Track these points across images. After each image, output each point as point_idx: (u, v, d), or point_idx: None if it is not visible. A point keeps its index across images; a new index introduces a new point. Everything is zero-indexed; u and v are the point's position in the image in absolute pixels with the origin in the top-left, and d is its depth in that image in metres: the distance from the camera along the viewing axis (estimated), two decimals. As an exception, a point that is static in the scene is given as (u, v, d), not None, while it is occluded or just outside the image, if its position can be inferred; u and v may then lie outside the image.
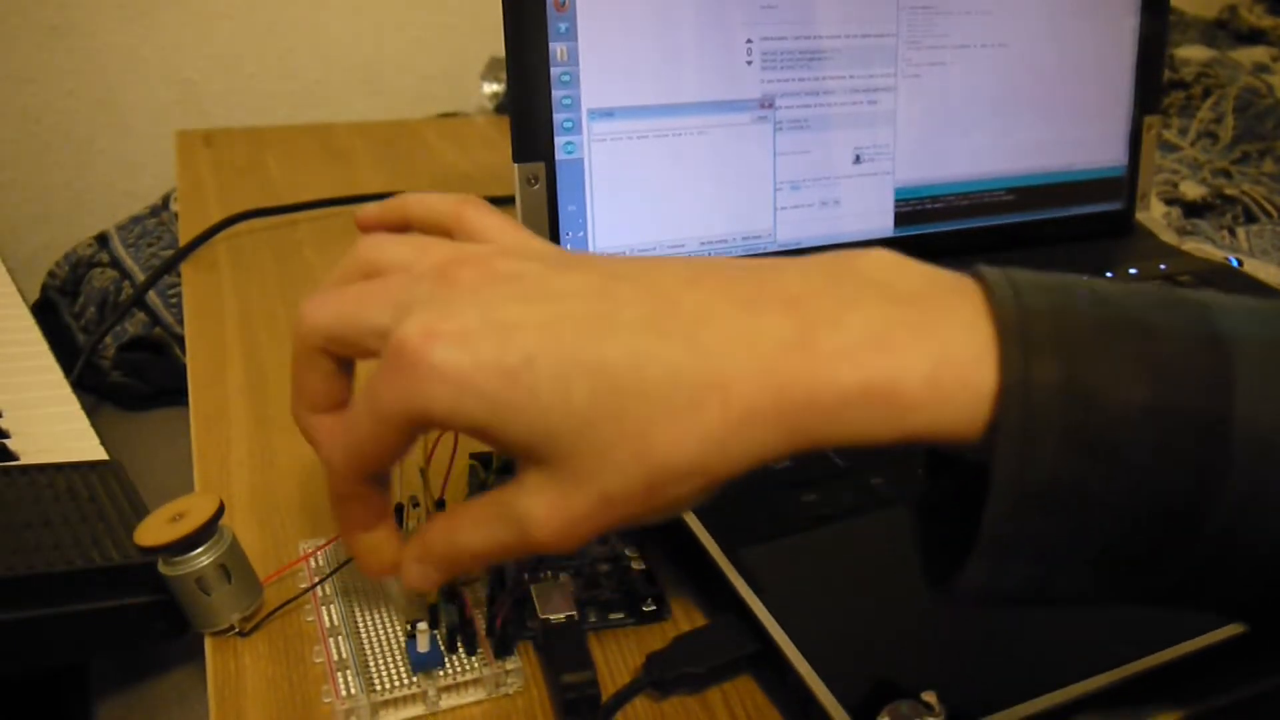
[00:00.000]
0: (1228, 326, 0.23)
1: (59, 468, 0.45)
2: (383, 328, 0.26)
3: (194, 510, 0.33)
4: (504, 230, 0.31)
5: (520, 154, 0.47)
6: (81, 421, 0.53)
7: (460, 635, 0.33)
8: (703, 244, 0.51)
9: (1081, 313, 0.23)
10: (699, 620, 0.35)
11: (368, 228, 0.33)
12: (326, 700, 0.31)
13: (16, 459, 0.47)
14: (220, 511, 0.33)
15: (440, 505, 0.35)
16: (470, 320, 0.25)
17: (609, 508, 0.25)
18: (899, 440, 0.24)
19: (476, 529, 0.27)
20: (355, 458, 0.27)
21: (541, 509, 0.25)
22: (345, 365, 0.30)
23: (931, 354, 0.23)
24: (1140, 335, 0.23)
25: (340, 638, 0.33)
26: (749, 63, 0.50)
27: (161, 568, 0.33)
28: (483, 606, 0.35)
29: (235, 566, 0.33)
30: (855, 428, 0.24)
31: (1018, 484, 0.22)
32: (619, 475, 0.24)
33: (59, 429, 0.52)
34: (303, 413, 0.31)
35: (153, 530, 0.32)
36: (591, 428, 0.24)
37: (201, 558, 0.33)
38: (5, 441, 0.48)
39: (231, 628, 0.34)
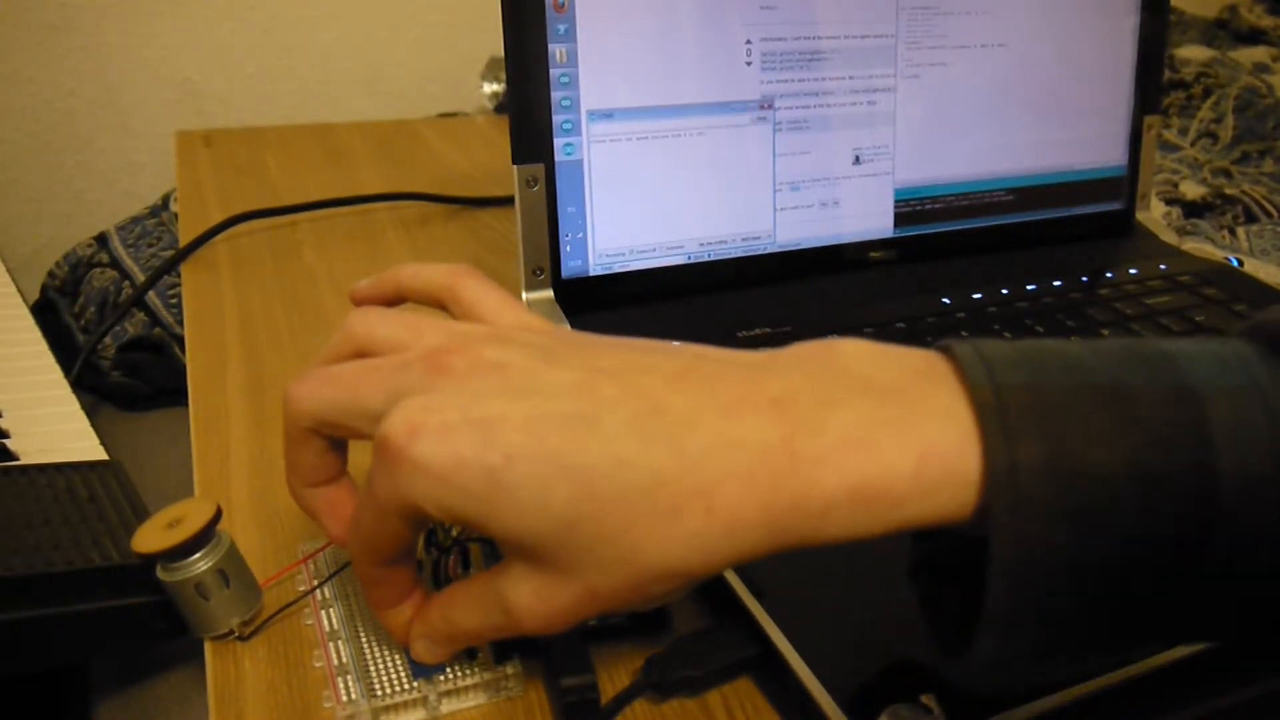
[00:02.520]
0: (1196, 377, 0.24)
1: (59, 468, 0.45)
2: (373, 414, 0.27)
3: (191, 515, 0.33)
4: (498, 307, 0.31)
5: (520, 156, 0.47)
6: (81, 421, 0.53)
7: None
8: (702, 244, 0.51)
9: (1054, 384, 0.23)
10: (698, 623, 0.35)
11: (361, 301, 0.33)
12: (327, 705, 0.31)
13: (16, 459, 0.47)
14: (217, 517, 0.33)
15: (459, 544, 0.36)
16: (454, 414, 0.25)
17: (594, 601, 0.25)
18: (887, 533, 0.24)
19: (470, 612, 0.28)
20: (367, 548, 0.28)
21: (526, 598, 0.26)
22: (338, 441, 0.31)
23: (914, 449, 0.23)
24: (1114, 399, 0.23)
25: (340, 642, 0.33)
26: (748, 63, 0.50)
27: (160, 574, 0.33)
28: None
29: (234, 571, 0.33)
30: (842, 528, 0.24)
31: (1013, 562, 0.23)
32: (602, 574, 0.25)
33: (59, 429, 0.52)
34: (299, 488, 0.31)
35: (150, 536, 0.32)
36: (571, 529, 0.24)
37: (199, 563, 0.32)
38: (5, 441, 0.48)
39: (231, 632, 0.34)
